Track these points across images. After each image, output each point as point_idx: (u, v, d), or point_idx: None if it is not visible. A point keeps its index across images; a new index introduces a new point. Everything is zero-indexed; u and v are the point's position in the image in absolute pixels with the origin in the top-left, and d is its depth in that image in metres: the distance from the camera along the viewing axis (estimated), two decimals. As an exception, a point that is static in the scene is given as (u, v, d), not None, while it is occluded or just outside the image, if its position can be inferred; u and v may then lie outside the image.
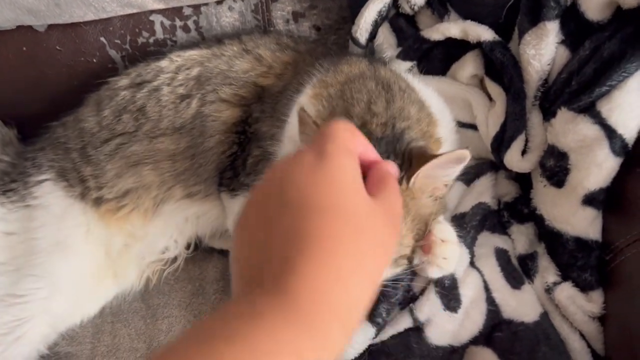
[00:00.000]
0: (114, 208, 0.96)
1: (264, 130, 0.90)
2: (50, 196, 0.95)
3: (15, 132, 1.17)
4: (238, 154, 0.94)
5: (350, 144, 0.49)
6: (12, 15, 1.06)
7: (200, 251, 1.07)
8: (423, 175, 0.68)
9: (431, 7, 0.96)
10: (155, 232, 1.01)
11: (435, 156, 0.67)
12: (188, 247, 1.05)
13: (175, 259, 1.05)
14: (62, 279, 0.94)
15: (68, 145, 0.98)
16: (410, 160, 0.69)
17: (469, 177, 0.91)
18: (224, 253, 1.05)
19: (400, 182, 0.67)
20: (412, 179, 0.68)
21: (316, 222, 0.42)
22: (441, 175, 0.71)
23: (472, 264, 0.82)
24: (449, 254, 0.75)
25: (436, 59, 0.96)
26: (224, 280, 1.01)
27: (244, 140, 0.94)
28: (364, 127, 0.73)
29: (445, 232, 0.76)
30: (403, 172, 0.68)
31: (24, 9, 1.05)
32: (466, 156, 0.66)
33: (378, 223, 0.45)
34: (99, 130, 0.98)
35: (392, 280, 0.76)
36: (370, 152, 0.52)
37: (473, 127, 0.94)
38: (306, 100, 0.83)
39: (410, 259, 0.75)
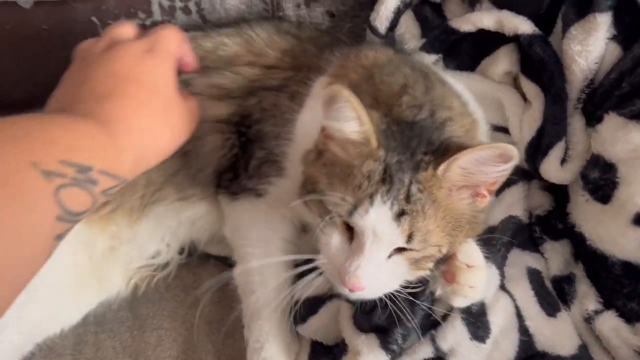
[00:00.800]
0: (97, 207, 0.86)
1: (267, 131, 0.81)
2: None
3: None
4: (239, 155, 0.84)
5: (174, 49, 0.68)
6: (-5, -12, 0.96)
7: (195, 257, 0.98)
8: (458, 164, 0.59)
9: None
10: (144, 234, 0.91)
11: (474, 146, 0.58)
12: (181, 252, 0.96)
13: (166, 264, 0.95)
14: (40, 284, 0.84)
15: None
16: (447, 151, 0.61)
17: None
18: (220, 260, 0.95)
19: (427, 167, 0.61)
20: (443, 166, 0.59)
21: (131, 85, 0.61)
22: (480, 172, 0.60)
23: (502, 286, 0.72)
24: (476, 282, 0.65)
25: (465, 53, 0.87)
26: (221, 290, 0.92)
27: (245, 142, 0.84)
28: (389, 113, 0.65)
29: (471, 256, 0.66)
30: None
31: (6, -19, 0.95)
32: (513, 154, 0.57)
33: (177, 104, 0.65)
34: None
35: (409, 302, 0.67)
36: (189, 59, 0.71)
37: (504, 130, 0.85)
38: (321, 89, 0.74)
39: (436, 264, 0.66)
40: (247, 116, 0.83)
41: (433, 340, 0.68)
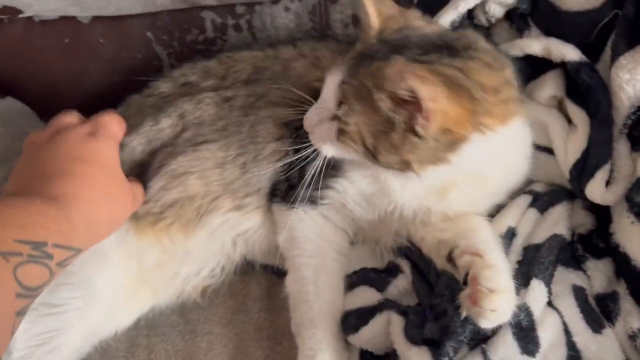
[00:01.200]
0: (154, 220, 0.89)
1: None
2: None
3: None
4: (293, 162, 0.88)
5: (116, 132, 0.78)
6: (58, 5, 1.01)
7: (243, 264, 1.01)
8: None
9: (510, 21, 0.90)
10: (198, 251, 0.93)
11: None
12: (235, 271, 0.98)
13: (222, 280, 0.98)
14: (98, 288, 0.88)
15: None
16: None
17: (543, 205, 0.84)
18: (267, 268, 0.99)
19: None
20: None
21: (77, 164, 0.69)
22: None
23: (549, 303, 0.75)
24: (498, 306, 0.67)
25: (511, 76, 0.90)
26: (268, 298, 0.95)
27: (301, 150, 0.87)
28: None
29: (494, 280, 0.68)
30: None
31: (70, -2, 0.99)
32: None
33: (121, 181, 0.75)
34: (137, 141, 0.92)
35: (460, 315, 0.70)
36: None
37: (547, 150, 0.87)
38: None
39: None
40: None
41: (484, 354, 0.71)
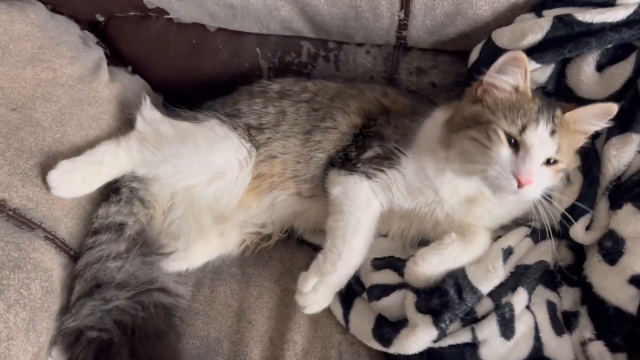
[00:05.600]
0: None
1: (387, 134, 1.13)
2: (217, 125, 1.19)
3: (162, 99, 1.40)
4: (351, 146, 1.16)
5: None
6: (196, 14, 1.31)
7: (293, 239, 1.28)
8: (577, 114, 0.98)
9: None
10: (259, 208, 1.22)
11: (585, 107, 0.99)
12: (282, 231, 1.27)
13: (269, 237, 1.26)
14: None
15: (222, 114, 1.22)
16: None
17: (537, 237, 1.09)
18: (313, 247, 1.25)
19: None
20: (569, 113, 0.98)
21: None
22: (587, 121, 0.99)
23: (528, 307, 1.01)
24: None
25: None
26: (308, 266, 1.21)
27: (359, 139, 1.16)
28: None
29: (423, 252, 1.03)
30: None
31: (207, 12, 1.29)
32: (613, 110, 0.96)
33: None
34: (249, 112, 1.21)
35: (460, 298, 0.96)
36: None
37: (549, 196, 1.13)
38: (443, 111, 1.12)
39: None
40: (372, 121, 1.16)
41: (473, 331, 0.97)
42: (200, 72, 1.39)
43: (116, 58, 1.41)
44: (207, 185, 1.16)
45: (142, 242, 1.12)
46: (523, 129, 0.95)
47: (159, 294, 1.10)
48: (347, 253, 1.06)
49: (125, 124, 1.25)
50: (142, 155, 1.15)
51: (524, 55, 0.96)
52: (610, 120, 0.99)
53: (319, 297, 1.07)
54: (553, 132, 0.95)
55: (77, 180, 1.09)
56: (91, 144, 1.15)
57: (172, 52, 1.37)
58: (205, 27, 1.35)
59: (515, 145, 0.95)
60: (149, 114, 1.19)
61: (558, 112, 0.98)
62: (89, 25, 1.40)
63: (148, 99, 1.21)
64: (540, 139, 0.94)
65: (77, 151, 1.13)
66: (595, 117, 0.99)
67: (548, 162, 0.96)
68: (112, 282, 1.06)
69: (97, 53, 1.33)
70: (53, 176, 1.07)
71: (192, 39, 1.36)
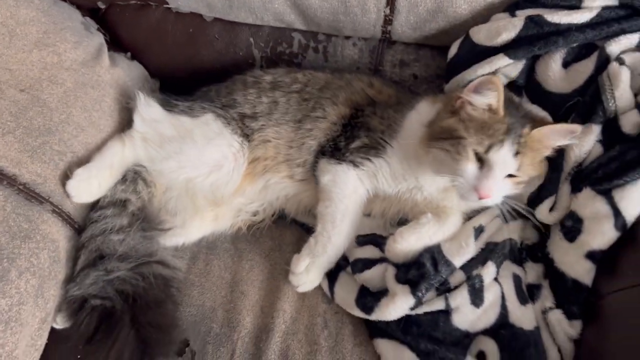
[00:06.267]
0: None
1: (374, 124, 1.22)
2: (211, 120, 1.27)
3: (159, 85, 1.48)
4: (339, 136, 1.25)
5: None
6: (194, 4, 1.38)
7: (282, 219, 1.37)
8: (544, 130, 1.07)
9: (512, 87, 1.26)
10: (252, 193, 1.30)
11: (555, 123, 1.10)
12: (273, 215, 1.35)
13: (262, 220, 1.34)
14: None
15: (217, 104, 1.31)
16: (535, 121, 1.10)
17: (507, 216, 1.20)
18: (301, 225, 1.35)
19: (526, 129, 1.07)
20: (536, 130, 1.06)
21: None
22: (553, 138, 1.08)
23: (496, 279, 1.12)
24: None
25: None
26: (297, 244, 1.30)
27: (347, 130, 1.25)
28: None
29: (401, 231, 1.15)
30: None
31: (205, 2, 1.37)
32: (577, 130, 1.06)
33: None
34: (244, 102, 1.29)
35: (435, 269, 1.08)
36: None
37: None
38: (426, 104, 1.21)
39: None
40: (359, 112, 1.25)
41: (446, 299, 1.08)
42: (197, 59, 1.46)
43: (116, 44, 1.48)
44: (206, 177, 1.25)
45: (143, 217, 1.20)
46: (489, 148, 1.04)
47: (158, 266, 1.18)
48: (337, 237, 1.17)
49: (125, 108, 1.33)
50: (147, 152, 1.25)
51: (498, 80, 1.05)
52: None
53: (311, 277, 1.18)
54: (517, 153, 1.05)
55: (94, 186, 1.19)
56: (94, 124, 1.24)
57: (170, 40, 1.44)
58: (203, 17, 1.43)
59: (482, 160, 1.06)
60: (147, 113, 1.27)
61: (526, 130, 1.07)
62: (90, 11, 1.45)
63: (142, 97, 1.28)
64: (504, 159, 1.05)
65: (81, 131, 1.21)
66: (561, 135, 1.09)
67: (510, 175, 1.08)
68: (114, 254, 1.14)
69: (98, 39, 1.39)
70: (71, 186, 1.15)
71: (189, 28, 1.43)
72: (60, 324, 1.11)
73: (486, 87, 1.05)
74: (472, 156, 1.05)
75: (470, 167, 1.06)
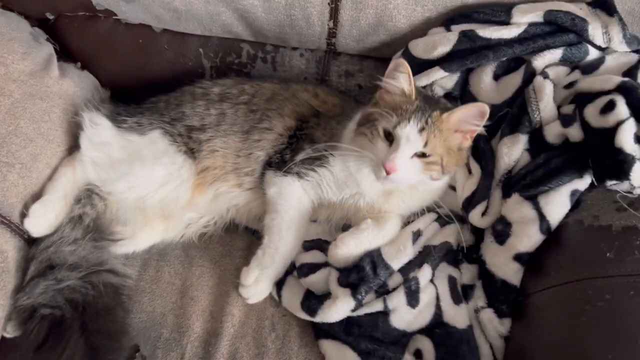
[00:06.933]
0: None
1: (317, 135, 1.28)
2: (158, 138, 1.30)
3: (109, 94, 1.50)
4: (286, 148, 1.30)
5: None
6: (143, 16, 1.41)
7: (231, 225, 1.41)
8: (454, 114, 1.12)
9: (448, 98, 1.33)
10: (203, 204, 1.34)
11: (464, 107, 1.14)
12: (223, 228, 1.39)
13: (213, 231, 1.39)
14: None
15: (166, 118, 1.33)
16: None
17: (442, 222, 1.27)
18: (249, 230, 1.40)
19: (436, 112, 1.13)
20: (445, 114, 1.12)
21: None
22: (465, 122, 1.14)
23: (431, 280, 1.18)
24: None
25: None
26: (247, 250, 1.35)
27: (293, 141, 1.30)
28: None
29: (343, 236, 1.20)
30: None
31: (153, 14, 1.39)
32: (487, 111, 1.11)
33: None
34: (192, 115, 1.32)
35: (374, 273, 1.13)
36: None
37: (453, 187, 1.30)
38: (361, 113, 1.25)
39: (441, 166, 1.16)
40: (304, 123, 1.30)
41: (384, 301, 1.14)
42: (147, 69, 1.49)
43: (66, 54, 1.48)
44: (155, 194, 1.28)
45: (95, 229, 1.23)
46: (396, 125, 1.11)
47: (108, 275, 1.21)
48: (284, 247, 1.21)
49: (74, 117, 1.34)
50: (98, 175, 1.28)
51: (405, 62, 1.13)
52: (488, 121, 1.15)
53: (261, 288, 1.22)
54: (422, 130, 1.11)
55: (51, 219, 1.21)
56: (43, 135, 1.26)
57: (120, 50, 1.46)
58: (152, 28, 1.45)
59: (391, 139, 1.13)
60: (95, 136, 1.30)
61: (436, 113, 1.13)
62: (39, 22, 1.46)
63: (87, 118, 1.30)
64: (408, 135, 1.11)
65: (29, 142, 1.23)
66: (472, 117, 1.14)
67: (423, 155, 1.13)
68: (64, 264, 1.16)
69: (47, 49, 1.40)
70: (30, 223, 1.19)
71: (139, 39, 1.45)
72: (11, 332, 1.13)
73: (397, 71, 1.15)
74: (382, 133, 1.14)
75: (380, 144, 1.14)
